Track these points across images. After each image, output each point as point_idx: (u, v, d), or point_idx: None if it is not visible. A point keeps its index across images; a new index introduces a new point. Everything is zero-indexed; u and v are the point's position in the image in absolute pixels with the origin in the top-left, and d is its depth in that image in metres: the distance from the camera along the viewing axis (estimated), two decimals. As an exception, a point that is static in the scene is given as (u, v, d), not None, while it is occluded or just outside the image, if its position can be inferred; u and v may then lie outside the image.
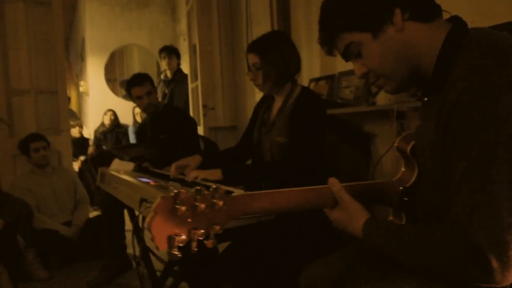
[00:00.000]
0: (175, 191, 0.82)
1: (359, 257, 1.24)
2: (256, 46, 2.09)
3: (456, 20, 1.06)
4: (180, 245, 0.86)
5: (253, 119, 2.32)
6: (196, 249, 0.88)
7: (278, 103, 2.15)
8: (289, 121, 2.01)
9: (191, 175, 1.95)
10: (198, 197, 0.85)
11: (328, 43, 1.12)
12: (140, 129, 3.55)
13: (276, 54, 2.04)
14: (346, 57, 1.12)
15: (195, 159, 2.20)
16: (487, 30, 1.00)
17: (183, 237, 0.85)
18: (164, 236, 0.84)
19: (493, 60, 0.89)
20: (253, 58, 2.07)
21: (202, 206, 0.85)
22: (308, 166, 1.93)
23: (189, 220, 0.85)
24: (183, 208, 0.83)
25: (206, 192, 0.86)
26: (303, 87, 2.13)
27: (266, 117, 2.19)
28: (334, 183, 1.11)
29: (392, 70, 1.07)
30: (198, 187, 0.85)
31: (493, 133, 0.85)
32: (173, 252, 0.85)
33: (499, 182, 0.84)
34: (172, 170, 2.09)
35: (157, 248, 0.84)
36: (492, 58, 0.90)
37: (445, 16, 1.09)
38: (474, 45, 0.95)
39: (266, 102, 2.26)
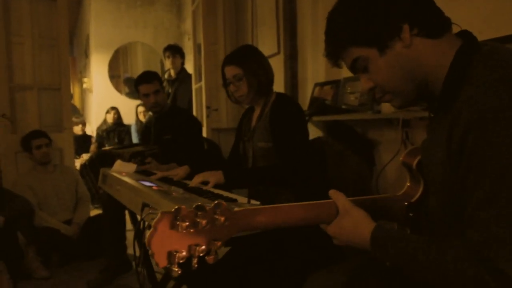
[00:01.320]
0: (176, 206, 0.81)
1: (363, 269, 1.23)
2: (235, 58, 2.15)
3: (466, 35, 1.03)
4: (181, 261, 0.84)
5: (238, 133, 2.38)
6: (196, 266, 0.86)
7: (257, 112, 2.22)
8: (269, 125, 2.06)
9: (195, 181, 1.97)
10: (199, 213, 0.83)
11: (334, 56, 1.11)
12: (145, 128, 3.54)
13: (255, 63, 2.12)
14: (354, 71, 1.10)
15: (184, 169, 2.27)
16: (498, 46, 0.97)
17: (184, 253, 0.84)
18: (164, 252, 0.82)
19: (506, 81, 0.86)
20: (234, 70, 2.13)
21: (203, 222, 0.84)
22: (302, 164, 1.96)
23: (189, 236, 0.84)
24: (184, 224, 0.82)
25: (207, 208, 0.85)
26: (278, 93, 2.19)
27: (248, 127, 2.26)
28: (335, 192, 1.09)
29: (398, 86, 1.05)
30: (199, 203, 0.83)
31: None
32: (173, 268, 0.83)
33: None
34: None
35: (157, 264, 0.83)
36: (504, 79, 0.87)
37: (455, 29, 1.06)
38: (486, 63, 0.93)
39: (247, 115, 2.33)
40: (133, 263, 3.22)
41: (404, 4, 1.00)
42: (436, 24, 1.02)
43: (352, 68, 1.10)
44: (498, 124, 0.83)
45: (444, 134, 0.95)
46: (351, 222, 1.05)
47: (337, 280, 1.21)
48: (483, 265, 0.82)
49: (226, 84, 2.20)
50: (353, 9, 1.03)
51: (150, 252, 0.80)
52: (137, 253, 2.20)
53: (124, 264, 3.18)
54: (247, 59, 2.12)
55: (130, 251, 3.26)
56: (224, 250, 1.88)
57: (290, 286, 1.63)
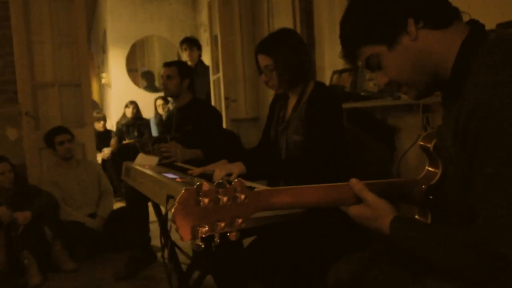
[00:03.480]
0: (198, 183, 0.83)
1: (388, 256, 1.24)
2: (266, 47, 2.03)
3: (473, 24, 1.05)
4: (203, 236, 0.86)
5: (270, 117, 2.29)
6: (218, 241, 0.88)
7: (292, 100, 2.11)
8: (304, 119, 1.98)
9: (218, 174, 1.89)
10: (221, 190, 0.86)
11: (349, 57, 1.16)
12: (167, 119, 3.58)
13: (288, 53, 1.98)
14: (369, 68, 1.15)
15: (239, 167, 1.98)
16: (506, 35, 0.99)
17: (206, 228, 0.86)
18: (188, 227, 0.85)
19: (506, 69, 0.89)
20: (265, 60, 2.02)
21: (225, 199, 0.86)
22: (325, 164, 1.90)
23: (212, 212, 0.86)
24: (206, 200, 0.84)
25: (228, 185, 0.87)
26: (316, 83, 2.09)
27: (282, 115, 2.16)
28: (355, 184, 1.11)
29: (411, 78, 1.09)
30: (220, 180, 0.85)
31: None
32: (197, 242, 0.86)
33: None
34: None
35: (181, 238, 0.86)
36: (505, 67, 0.90)
37: (466, 17, 1.08)
38: (489, 52, 0.95)
39: (280, 99, 2.22)
40: (158, 255, 3.28)
41: None
42: (441, 15, 1.04)
43: (367, 66, 1.14)
44: (497, 116, 0.86)
45: (452, 123, 0.98)
46: (374, 212, 1.09)
47: (362, 267, 1.23)
48: (486, 251, 0.86)
49: (260, 71, 2.10)
50: (360, 11, 1.09)
51: (175, 227, 0.83)
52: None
53: (148, 255, 3.24)
54: (280, 48, 1.98)
55: (154, 242, 3.32)
56: (249, 240, 1.90)
57: (315, 273, 1.63)
